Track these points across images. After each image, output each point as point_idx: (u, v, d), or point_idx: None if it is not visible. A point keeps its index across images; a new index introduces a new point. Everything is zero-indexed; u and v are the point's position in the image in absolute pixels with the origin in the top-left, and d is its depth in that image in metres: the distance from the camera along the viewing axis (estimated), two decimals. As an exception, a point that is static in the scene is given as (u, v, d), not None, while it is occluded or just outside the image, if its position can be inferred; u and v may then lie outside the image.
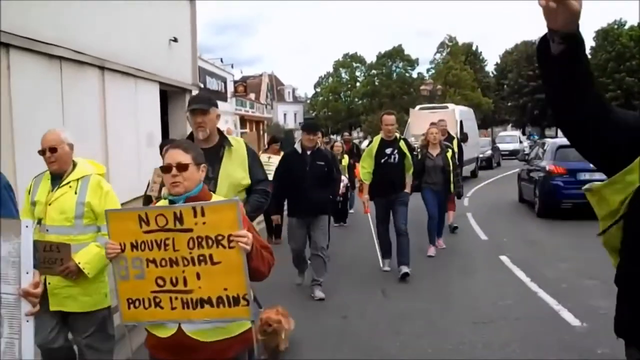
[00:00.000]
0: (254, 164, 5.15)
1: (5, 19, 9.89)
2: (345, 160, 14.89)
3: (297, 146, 8.65)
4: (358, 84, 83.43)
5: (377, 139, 9.94)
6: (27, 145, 10.56)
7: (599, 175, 10.78)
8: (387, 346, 6.68)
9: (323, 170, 8.48)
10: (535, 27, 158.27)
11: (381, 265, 10.13)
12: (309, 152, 8.45)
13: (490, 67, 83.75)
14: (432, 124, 12.74)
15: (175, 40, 19.70)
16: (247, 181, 5.04)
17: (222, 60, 41.14)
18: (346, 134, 21.76)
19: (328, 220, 10.15)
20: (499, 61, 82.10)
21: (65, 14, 12.06)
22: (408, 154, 9.76)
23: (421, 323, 7.38)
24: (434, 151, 11.24)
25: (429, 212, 11.32)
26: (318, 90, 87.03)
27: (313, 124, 9.11)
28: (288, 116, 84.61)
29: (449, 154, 11.36)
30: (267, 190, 5.21)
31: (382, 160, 9.64)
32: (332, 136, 24.42)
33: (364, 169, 9.88)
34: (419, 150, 11.62)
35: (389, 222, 9.90)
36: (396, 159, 9.64)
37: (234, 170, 4.97)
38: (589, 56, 28.67)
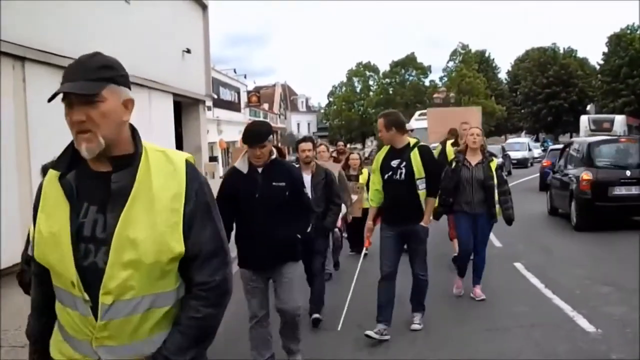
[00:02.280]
0: (200, 214, 2.38)
1: (20, 32, 10.01)
2: (365, 176, 11.27)
3: (241, 163, 5.70)
4: (371, 93, 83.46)
5: (386, 147, 7.38)
6: (43, 157, 10.68)
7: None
8: (403, 356, 6.68)
9: (282, 195, 5.58)
10: (545, 34, 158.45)
11: (372, 332, 7.00)
12: (259, 170, 5.60)
13: (502, 75, 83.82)
14: (464, 123, 10.83)
15: (188, 51, 19.84)
16: (177, 251, 2.29)
17: (235, 71, 41.43)
18: (340, 143, 16.15)
19: (323, 264, 8.41)
20: (510, 68, 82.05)
21: (79, 27, 12.19)
22: (420, 168, 6.98)
23: (436, 331, 7.36)
24: (473, 159, 8.47)
25: (460, 243, 8.87)
26: (331, 99, 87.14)
27: (257, 133, 5.61)
28: (302, 126, 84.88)
29: (494, 164, 8.47)
30: (222, 282, 2.40)
31: (386, 176, 7.12)
32: (339, 144, 15.58)
33: (372, 186, 7.43)
34: (454, 157, 8.82)
35: (396, 271, 7.25)
36: (402, 175, 6.98)
37: (153, 225, 2.26)
38: (602, 62, 28.67)
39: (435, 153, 11.03)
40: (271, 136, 5.73)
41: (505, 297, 8.79)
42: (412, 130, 11.76)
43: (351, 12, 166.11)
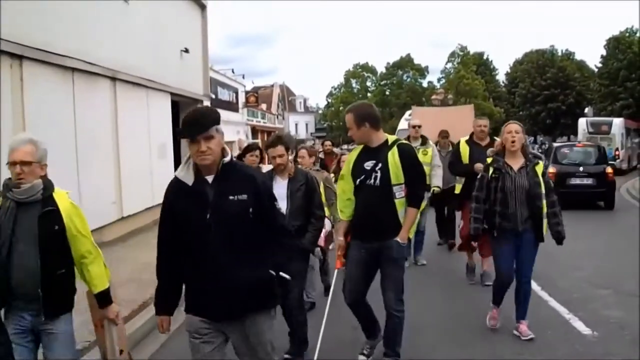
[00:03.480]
0: None
1: (19, 31, 9.99)
2: None
3: (184, 170, 3.97)
4: (369, 94, 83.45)
5: (359, 146, 6.06)
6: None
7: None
8: (400, 357, 6.67)
9: (244, 213, 3.93)
10: (544, 36, 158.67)
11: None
12: (210, 179, 3.93)
13: (500, 77, 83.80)
14: (479, 118, 10.01)
15: (186, 51, 19.83)
16: None
17: (233, 71, 41.37)
18: (328, 143, 14.76)
19: (302, 294, 6.72)
20: (508, 70, 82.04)
21: (77, 26, 12.18)
22: (399, 172, 5.70)
23: (434, 334, 7.34)
24: (515, 163, 6.76)
25: (498, 272, 7.06)
26: (330, 100, 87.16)
27: (197, 118, 3.87)
28: (300, 126, 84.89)
29: (540, 168, 6.82)
30: None
31: (358, 181, 5.84)
32: (327, 144, 14.88)
33: (342, 195, 6.06)
34: (490, 162, 6.97)
35: (367, 288, 6.14)
36: (377, 179, 5.71)
37: None
38: (600, 64, 30.25)
39: (429, 154, 10.71)
40: (219, 125, 3.89)
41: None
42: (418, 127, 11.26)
43: (349, 12, 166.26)
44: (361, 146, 5.96)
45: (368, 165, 5.76)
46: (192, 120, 3.85)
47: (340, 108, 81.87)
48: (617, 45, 61.54)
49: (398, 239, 5.70)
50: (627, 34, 62.82)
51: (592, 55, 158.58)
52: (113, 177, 13.86)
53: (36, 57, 10.61)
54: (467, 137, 9.66)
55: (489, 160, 7.01)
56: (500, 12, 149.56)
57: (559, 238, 6.86)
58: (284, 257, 4.23)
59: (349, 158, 6.10)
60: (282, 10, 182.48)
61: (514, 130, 6.76)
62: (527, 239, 6.76)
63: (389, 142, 5.82)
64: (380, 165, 5.69)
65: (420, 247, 11.09)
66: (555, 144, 24.00)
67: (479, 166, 8.02)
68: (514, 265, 6.90)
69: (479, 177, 7.04)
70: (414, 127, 11.20)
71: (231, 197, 3.88)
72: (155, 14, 16.89)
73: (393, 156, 5.69)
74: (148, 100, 16.35)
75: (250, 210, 3.92)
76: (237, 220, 3.89)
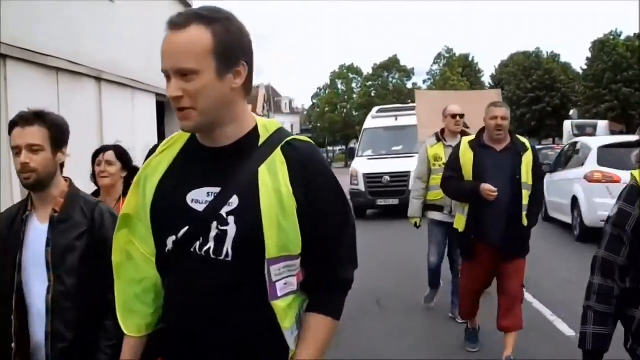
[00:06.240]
0: None
1: (2, 30, 9.92)
2: None
3: None
4: (355, 95, 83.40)
5: (176, 139, 2.24)
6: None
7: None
8: (387, 355, 6.68)
9: None
10: (530, 38, 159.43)
11: None
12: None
13: (485, 79, 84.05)
14: (492, 105, 6.21)
15: (172, 51, 19.79)
16: None
17: (219, 72, 41.37)
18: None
19: None
20: (494, 73, 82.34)
21: (62, 26, 12.11)
22: (290, 220, 1.92)
23: (418, 335, 7.36)
24: None
25: None
26: (315, 101, 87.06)
27: None
28: (285, 127, 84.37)
29: None
30: None
31: (171, 243, 1.97)
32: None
33: (122, 274, 2.21)
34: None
35: None
36: (227, 242, 1.89)
37: None
38: (585, 67, 31.44)
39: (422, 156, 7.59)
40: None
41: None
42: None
43: (335, 13, 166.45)
44: (181, 141, 2.23)
45: (199, 199, 1.99)
46: None
47: (326, 109, 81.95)
48: (602, 47, 61.96)
49: None
50: (612, 37, 63.30)
51: (577, 57, 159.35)
52: (98, 178, 13.80)
53: (20, 56, 10.54)
54: (472, 137, 6.20)
55: (638, 174, 2.85)
56: (485, 14, 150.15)
57: None
58: None
59: (142, 175, 2.24)
60: (267, 11, 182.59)
61: None
62: None
63: (263, 136, 2.16)
64: (236, 199, 1.94)
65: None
66: (538, 147, 25.79)
67: (486, 188, 5.49)
68: None
69: (614, 214, 2.94)
70: (453, 116, 7.51)
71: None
72: (140, 13, 16.82)
73: (272, 175, 2.01)
74: (133, 100, 16.29)
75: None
76: None
